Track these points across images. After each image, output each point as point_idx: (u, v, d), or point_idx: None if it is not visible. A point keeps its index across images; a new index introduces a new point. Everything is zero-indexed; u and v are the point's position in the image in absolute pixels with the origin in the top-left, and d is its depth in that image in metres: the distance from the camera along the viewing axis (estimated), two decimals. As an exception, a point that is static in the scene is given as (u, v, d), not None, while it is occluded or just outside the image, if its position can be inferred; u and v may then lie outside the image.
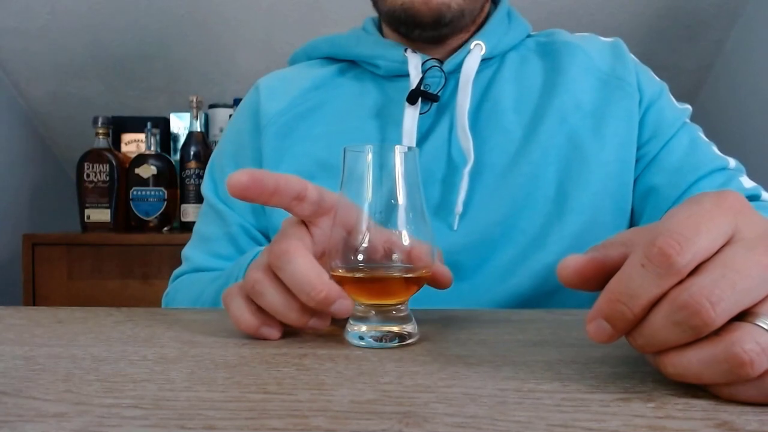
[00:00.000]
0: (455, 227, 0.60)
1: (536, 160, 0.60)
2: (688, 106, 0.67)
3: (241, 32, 1.56)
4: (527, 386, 0.29)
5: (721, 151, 0.64)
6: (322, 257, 0.39)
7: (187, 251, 0.70)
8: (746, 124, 1.50)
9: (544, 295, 0.58)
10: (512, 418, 0.24)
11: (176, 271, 0.70)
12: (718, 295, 0.24)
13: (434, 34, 0.65)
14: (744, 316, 0.25)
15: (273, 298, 0.37)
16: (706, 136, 0.66)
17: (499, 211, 0.60)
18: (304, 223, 0.40)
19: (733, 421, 0.24)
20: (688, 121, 0.66)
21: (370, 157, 0.37)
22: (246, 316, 0.38)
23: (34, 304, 1.36)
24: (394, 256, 0.36)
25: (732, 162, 0.64)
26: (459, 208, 0.60)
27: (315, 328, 0.38)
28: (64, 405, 0.26)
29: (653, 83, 0.66)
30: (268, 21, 1.53)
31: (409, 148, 0.38)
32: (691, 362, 0.26)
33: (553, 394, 0.27)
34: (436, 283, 0.42)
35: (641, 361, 0.32)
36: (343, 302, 0.36)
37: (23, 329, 0.42)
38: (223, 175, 0.69)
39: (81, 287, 1.37)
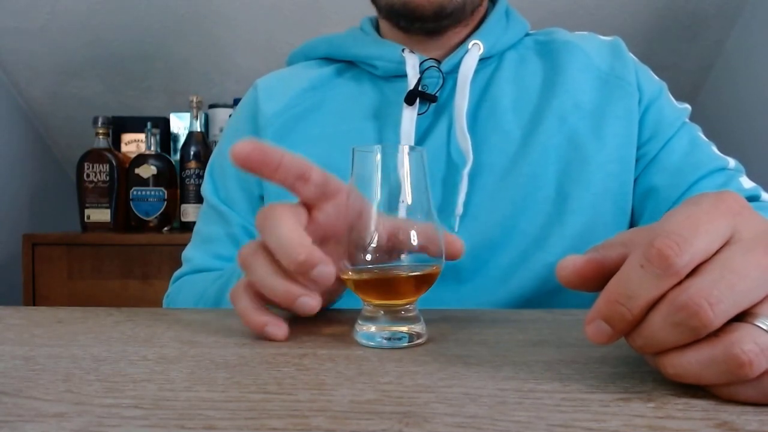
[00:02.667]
0: (456, 229, 0.60)
1: (536, 161, 0.60)
2: (688, 106, 0.67)
3: (241, 32, 1.56)
4: (527, 386, 0.29)
5: (721, 151, 0.64)
6: (323, 243, 0.39)
7: (187, 252, 0.69)
8: (746, 124, 1.50)
9: (545, 295, 0.58)
10: (512, 418, 0.24)
11: (177, 273, 0.69)
12: (717, 296, 0.24)
13: (435, 26, 0.65)
14: (743, 316, 0.25)
15: (261, 271, 0.37)
16: (706, 136, 0.66)
17: (499, 212, 0.60)
18: (306, 206, 0.40)
19: (733, 421, 0.24)
20: (687, 120, 0.66)
21: (378, 157, 0.37)
22: (252, 315, 0.38)
23: (34, 304, 1.36)
24: (413, 240, 0.36)
25: (732, 162, 0.64)
26: (459, 209, 0.59)
27: (304, 307, 0.37)
28: (64, 405, 0.26)
29: (653, 82, 0.66)
30: (268, 21, 1.53)
31: (417, 149, 0.38)
32: (691, 363, 0.26)
33: (553, 394, 0.27)
34: (448, 252, 0.40)
35: (641, 361, 0.32)
36: (324, 268, 0.35)
37: (23, 329, 0.42)
38: (224, 176, 0.69)
39: (81, 287, 1.37)
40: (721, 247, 0.26)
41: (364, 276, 0.37)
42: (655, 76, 0.67)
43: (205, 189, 0.70)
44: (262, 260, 0.37)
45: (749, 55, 1.49)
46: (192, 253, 0.68)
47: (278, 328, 0.38)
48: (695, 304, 0.24)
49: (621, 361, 0.32)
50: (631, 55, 0.67)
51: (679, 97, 0.68)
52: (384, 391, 0.28)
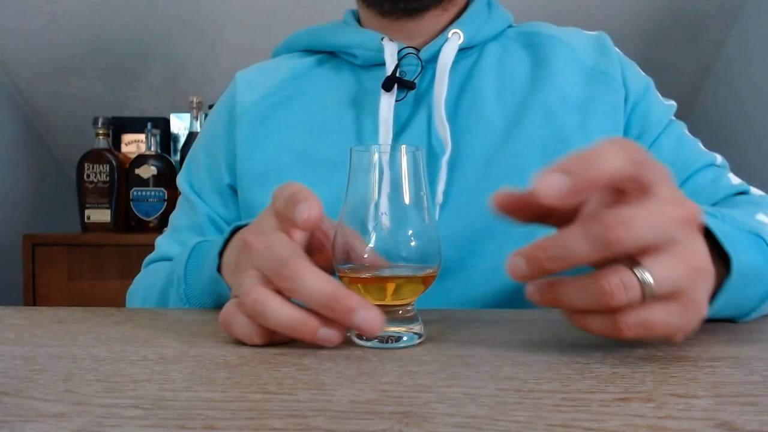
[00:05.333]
0: (436, 218, 0.59)
1: (520, 152, 0.60)
2: (673, 103, 0.66)
3: (241, 33, 1.56)
4: (527, 386, 0.29)
5: (720, 152, 0.64)
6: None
7: (158, 239, 0.71)
8: (746, 125, 1.50)
9: None
10: (512, 418, 0.24)
11: (147, 258, 0.71)
12: (633, 222, 0.29)
13: (419, 5, 0.64)
14: (629, 262, 0.30)
15: (279, 317, 0.35)
16: (706, 136, 0.66)
17: (481, 203, 0.58)
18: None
19: (733, 421, 0.24)
20: (673, 118, 0.66)
21: (376, 156, 0.37)
22: (254, 335, 0.36)
23: (34, 304, 1.36)
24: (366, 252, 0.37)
25: (718, 158, 0.64)
26: (439, 198, 0.59)
27: (328, 341, 0.35)
28: (64, 405, 0.26)
29: (639, 79, 0.65)
30: (269, 21, 1.53)
31: (416, 148, 0.38)
32: (569, 289, 0.31)
33: (553, 394, 0.27)
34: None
35: (641, 361, 0.32)
36: (366, 313, 0.33)
37: (23, 329, 0.42)
38: (198, 167, 0.70)
39: (81, 287, 1.37)
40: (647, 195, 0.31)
41: (361, 276, 0.37)
42: (641, 72, 0.67)
43: (180, 178, 0.72)
44: (276, 306, 0.35)
45: (749, 56, 1.49)
46: (161, 240, 0.70)
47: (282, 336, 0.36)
48: (615, 223, 0.29)
49: (621, 361, 0.33)
50: (617, 50, 0.66)
51: (678, 98, 0.68)
52: (384, 391, 0.28)
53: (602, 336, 0.32)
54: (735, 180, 0.63)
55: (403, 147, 0.37)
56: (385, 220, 0.37)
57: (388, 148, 0.38)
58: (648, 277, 0.29)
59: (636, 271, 0.29)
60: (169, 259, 0.66)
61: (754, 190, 0.63)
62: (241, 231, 0.39)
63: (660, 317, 0.30)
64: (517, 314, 0.47)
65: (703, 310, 0.32)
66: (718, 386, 0.28)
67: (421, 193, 0.37)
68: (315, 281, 0.34)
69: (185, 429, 0.24)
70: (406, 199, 0.37)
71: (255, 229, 0.38)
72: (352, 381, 0.30)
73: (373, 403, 0.26)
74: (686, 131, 0.65)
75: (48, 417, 0.25)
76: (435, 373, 0.31)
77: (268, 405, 0.26)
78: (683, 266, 0.30)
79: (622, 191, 0.32)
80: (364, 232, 0.36)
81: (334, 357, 0.34)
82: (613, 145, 0.30)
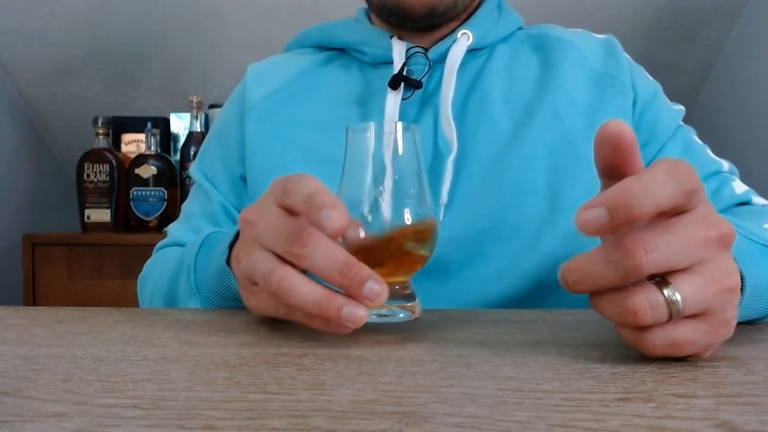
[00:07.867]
0: (440, 218, 0.59)
1: (526, 154, 0.60)
2: (682, 107, 0.66)
3: (241, 32, 1.56)
4: (527, 386, 0.29)
5: (720, 152, 0.64)
6: None
7: (171, 226, 0.72)
8: (746, 124, 1.50)
9: (538, 295, 0.58)
10: (512, 418, 0.24)
11: (159, 243, 0.72)
12: (653, 247, 0.28)
13: (426, 25, 0.65)
14: (659, 279, 0.30)
15: (304, 294, 0.35)
16: (706, 136, 0.66)
17: (486, 204, 0.59)
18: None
19: (733, 421, 0.24)
20: (682, 123, 0.65)
21: (372, 135, 0.37)
22: (331, 298, 0.35)
23: (34, 304, 1.36)
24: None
25: (725, 165, 0.64)
26: (444, 198, 0.59)
27: (352, 320, 0.34)
28: (64, 405, 0.26)
29: (647, 83, 0.65)
30: (268, 21, 1.53)
31: (410, 126, 0.38)
32: (601, 301, 0.31)
33: (553, 394, 0.27)
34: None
35: (641, 361, 0.32)
36: (374, 285, 0.33)
37: (23, 329, 0.42)
38: (211, 157, 0.71)
39: (81, 287, 1.37)
40: (674, 215, 0.30)
41: (361, 243, 0.37)
42: (650, 77, 0.67)
43: (193, 167, 0.73)
44: (300, 282, 0.35)
45: (749, 55, 1.49)
46: (174, 227, 0.71)
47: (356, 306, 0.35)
48: (635, 249, 0.28)
49: (621, 361, 0.32)
50: (626, 54, 0.66)
51: (678, 98, 0.68)
52: (384, 391, 0.28)
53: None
54: (739, 189, 0.62)
55: (398, 123, 0.37)
56: (382, 197, 0.37)
57: (384, 126, 0.38)
58: (676, 297, 0.29)
59: (664, 290, 0.29)
60: (181, 245, 0.67)
61: (757, 199, 0.62)
62: (241, 213, 0.39)
63: (688, 336, 0.30)
64: (517, 314, 0.47)
65: (732, 328, 0.32)
66: (718, 386, 0.28)
67: (416, 171, 0.38)
68: (330, 247, 0.34)
69: (185, 429, 0.24)
70: (401, 177, 0.37)
71: (254, 207, 0.39)
72: (352, 381, 0.30)
73: (373, 403, 0.26)
74: (694, 137, 0.65)
75: (48, 417, 0.25)
76: (435, 373, 0.31)
77: (268, 405, 0.26)
78: (713, 286, 0.30)
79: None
80: (359, 212, 0.37)
81: (334, 357, 0.34)
82: (664, 174, 0.29)
